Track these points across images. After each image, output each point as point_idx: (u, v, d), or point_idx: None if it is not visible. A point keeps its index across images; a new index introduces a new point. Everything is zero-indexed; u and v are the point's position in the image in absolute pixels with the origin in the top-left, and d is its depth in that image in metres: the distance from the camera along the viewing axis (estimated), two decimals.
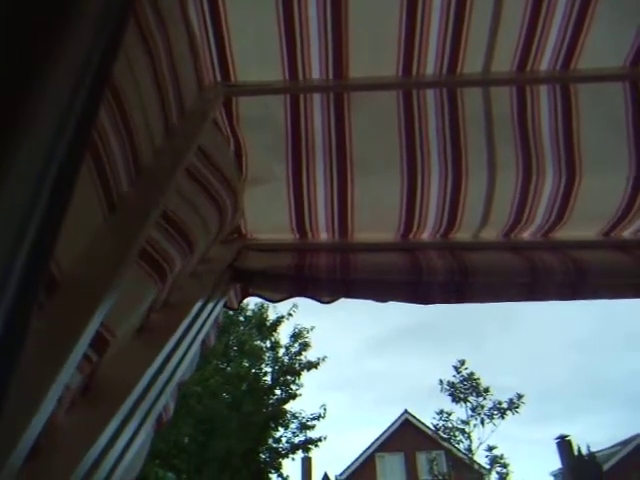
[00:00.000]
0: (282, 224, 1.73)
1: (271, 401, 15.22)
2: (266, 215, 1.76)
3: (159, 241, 0.98)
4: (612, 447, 25.86)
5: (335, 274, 1.64)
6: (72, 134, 0.42)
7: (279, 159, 1.64)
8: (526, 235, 1.76)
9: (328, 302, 1.76)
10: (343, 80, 1.50)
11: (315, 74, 1.51)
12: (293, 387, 15.61)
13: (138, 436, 0.98)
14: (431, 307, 1.72)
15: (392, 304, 1.71)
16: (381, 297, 1.71)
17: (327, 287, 1.71)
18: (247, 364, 14.93)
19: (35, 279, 0.39)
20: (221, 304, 1.60)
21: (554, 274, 1.59)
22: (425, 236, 1.77)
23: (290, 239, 1.78)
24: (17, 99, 0.39)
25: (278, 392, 15.54)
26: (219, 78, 1.51)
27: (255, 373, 15.04)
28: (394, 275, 1.65)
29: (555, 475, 27.28)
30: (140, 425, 0.98)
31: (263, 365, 15.58)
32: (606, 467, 21.89)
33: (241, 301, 1.88)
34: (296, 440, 15.90)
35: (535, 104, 1.57)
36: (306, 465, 24.95)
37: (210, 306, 1.42)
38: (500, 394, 17.00)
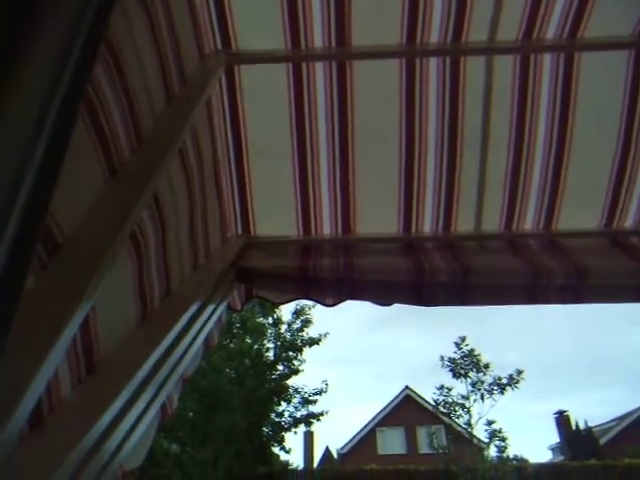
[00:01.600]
0: (286, 205, 1.71)
1: (274, 376, 15.41)
2: (269, 196, 1.74)
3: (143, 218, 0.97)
4: (609, 422, 26.21)
5: (338, 274, 1.62)
6: (66, 89, 0.41)
7: (282, 131, 1.62)
8: (527, 227, 1.74)
9: (332, 305, 1.74)
10: (346, 48, 1.48)
11: (317, 42, 1.49)
12: (295, 363, 15.78)
13: (142, 421, 1.00)
14: None
15: None
16: (384, 299, 1.71)
17: (331, 288, 1.69)
18: (250, 340, 15.07)
19: (31, 233, 0.39)
20: (224, 304, 1.60)
21: (555, 277, 1.57)
22: (426, 227, 1.74)
23: (294, 235, 1.76)
24: (12, 52, 0.39)
25: (280, 368, 15.73)
26: (220, 46, 1.49)
27: (258, 349, 15.20)
28: (397, 276, 1.63)
29: (553, 449, 27.74)
30: (144, 411, 1.00)
31: (265, 341, 15.73)
32: (603, 441, 22.23)
33: (245, 303, 1.86)
34: (298, 414, 16.15)
35: (537, 74, 1.55)
36: (308, 440, 25.36)
37: (213, 305, 1.41)
38: (500, 370, 17.16)
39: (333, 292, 1.70)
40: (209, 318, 1.42)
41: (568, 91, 1.56)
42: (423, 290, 1.64)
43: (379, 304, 1.73)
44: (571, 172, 1.66)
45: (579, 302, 1.64)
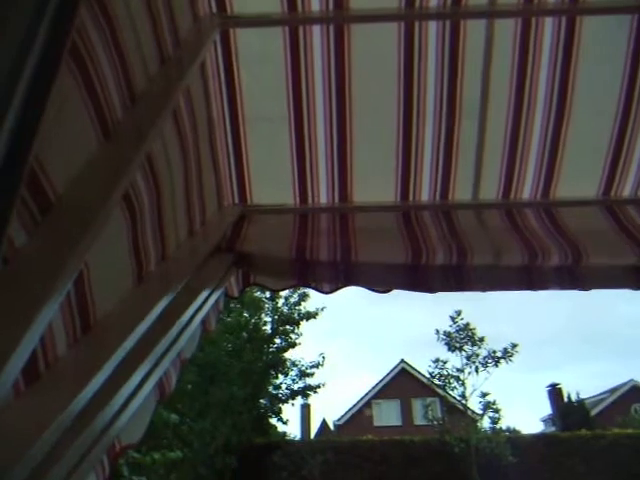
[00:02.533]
0: (282, 173, 1.69)
1: (271, 350, 15.59)
2: (266, 164, 1.72)
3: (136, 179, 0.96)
4: (601, 394, 26.72)
5: (336, 256, 1.61)
6: (48, 31, 0.40)
7: (278, 96, 1.60)
8: (525, 196, 1.73)
9: (329, 292, 1.74)
10: (343, 11, 1.45)
11: (314, 5, 1.46)
12: (292, 336, 15.95)
13: (138, 395, 1.01)
14: None
15: None
16: (381, 283, 1.70)
17: (328, 272, 1.68)
18: (247, 314, 15.19)
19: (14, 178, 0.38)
20: (221, 289, 1.60)
21: (552, 256, 1.58)
22: (424, 195, 1.73)
23: (291, 204, 1.74)
24: None
25: (278, 341, 15.90)
26: (215, 9, 1.45)
27: (255, 323, 15.33)
28: (394, 258, 1.62)
29: (545, 421, 28.34)
30: (140, 385, 1.01)
31: (263, 315, 15.86)
32: (594, 413, 22.68)
33: (243, 290, 1.85)
34: (295, 387, 16.40)
35: (538, 39, 1.52)
36: (305, 412, 25.83)
37: (210, 286, 1.42)
38: (495, 343, 17.39)
39: (330, 276, 1.69)
40: (206, 300, 1.43)
41: (569, 56, 1.54)
42: (420, 274, 1.64)
43: (376, 290, 1.72)
44: (570, 140, 1.64)
45: (577, 287, 1.66)
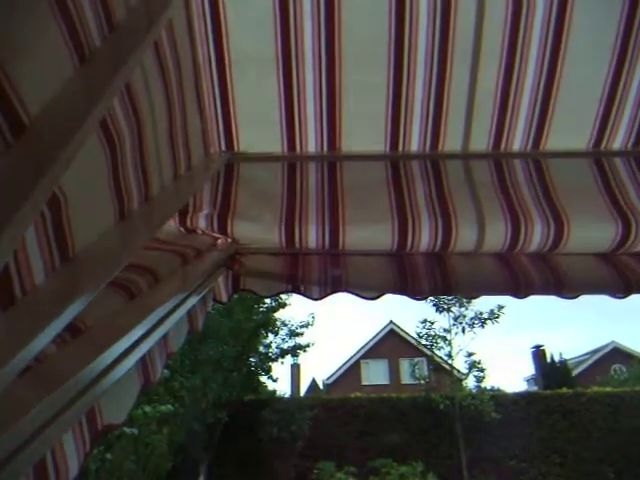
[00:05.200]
0: (270, 120, 1.65)
1: (261, 309, 15.75)
2: (253, 110, 1.68)
3: (114, 108, 0.93)
4: (583, 355, 27.48)
5: (324, 248, 1.65)
6: None
7: (266, 39, 1.54)
8: (516, 147, 1.71)
9: (318, 299, 1.76)
10: None
11: None
12: (283, 296, 16.11)
13: (120, 365, 1.02)
14: None
15: None
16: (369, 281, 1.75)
17: (317, 266, 1.74)
18: None
19: None
20: (210, 287, 1.63)
21: (534, 227, 1.62)
22: (413, 145, 1.71)
23: (279, 152, 1.72)
24: None
25: (268, 301, 16.05)
26: None
27: None
28: (381, 243, 1.67)
29: (528, 380, 29.20)
30: (123, 355, 1.01)
31: None
32: (576, 373, 23.38)
33: (231, 295, 1.86)
34: (285, 346, 16.68)
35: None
36: (295, 372, 26.36)
37: (197, 293, 1.44)
38: (482, 305, 17.66)
39: (319, 271, 1.73)
40: (196, 289, 1.46)
41: (564, 3, 1.50)
42: (406, 271, 1.71)
43: (365, 297, 1.76)
44: (563, 90, 1.62)
45: (562, 292, 1.69)
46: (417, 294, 1.70)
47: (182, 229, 1.66)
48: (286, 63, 1.57)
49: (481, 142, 1.71)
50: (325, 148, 1.72)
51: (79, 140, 0.66)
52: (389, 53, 1.57)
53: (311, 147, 1.72)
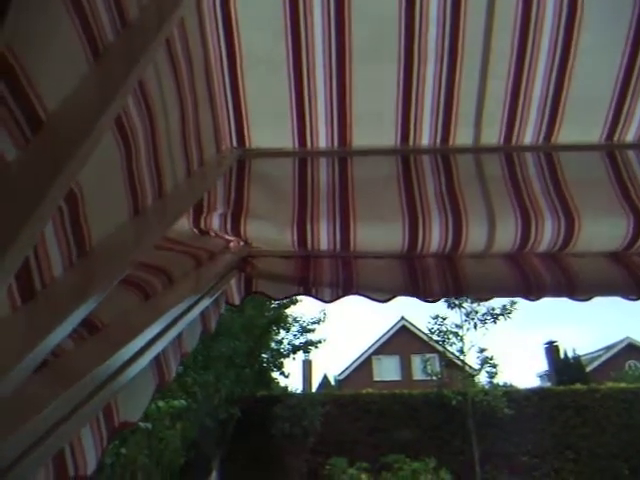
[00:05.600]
0: (281, 116, 1.66)
1: (273, 305, 15.81)
2: (264, 106, 1.69)
3: (128, 105, 0.95)
4: (597, 351, 27.20)
5: (335, 251, 1.68)
6: None
7: (277, 35, 1.55)
8: (527, 141, 1.70)
9: (329, 301, 1.78)
10: None
11: None
12: None
13: (137, 362, 1.04)
14: None
15: None
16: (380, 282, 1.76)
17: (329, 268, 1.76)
18: None
19: None
20: (223, 285, 1.64)
21: (545, 222, 1.61)
22: (424, 139, 1.71)
23: (290, 147, 1.73)
24: None
25: None
26: None
27: None
28: (391, 244, 1.68)
29: (541, 376, 28.97)
30: (139, 353, 1.03)
31: None
32: (589, 369, 23.16)
33: (244, 298, 1.87)
34: (297, 342, 16.73)
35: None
36: (307, 368, 26.45)
37: (211, 291, 1.46)
38: (494, 301, 17.56)
39: (331, 273, 1.75)
40: (209, 291, 1.49)
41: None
42: (417, 273, 1.72)
43: (377, 300, 1.77)
44: (575, 82, 1.61)
45: (574, 294, 1.69)
46: (428, 296, 1.71)
47: (196, 230, 1.68)
48: (296, 59, 1.58)
49: (492, 136, 1.71)
50: (336, 143, 1.72)
51: (95, 136, 0.67)
52: (399, 47, 1.57)
53: (322, 142, 1.73)
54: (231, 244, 1.73)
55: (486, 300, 1.95)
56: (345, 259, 1.78)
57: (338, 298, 1.77)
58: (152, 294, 1.15)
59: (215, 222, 1.66)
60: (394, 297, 1.76)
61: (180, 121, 1.23)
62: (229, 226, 1.67)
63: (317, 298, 1.79)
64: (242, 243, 1.72)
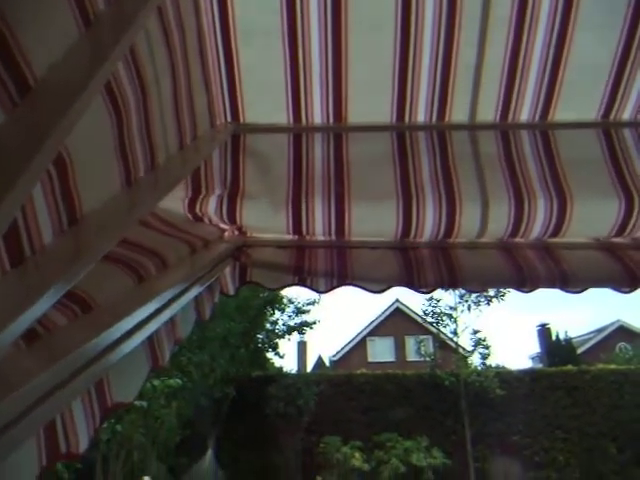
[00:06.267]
0: (276, 91, 1.64)
1: None
2: (259, 81, 1.66)
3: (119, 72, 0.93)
4: (589, 334, 27.51)
5: (330, 229, 1.66)
6: None
7: (272, 9, 1.52)
8: (524, 118, 1.69)
9: (324, 292, 1.78)
10: None
11: None
12: None
13: (131, 339, 1.05)
14: None
15: None
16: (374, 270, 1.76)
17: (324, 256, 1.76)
18: None
19: None
20: (217, 272, 1.63)
21: (537, 204, 1.61)
22: (420, 116, 1.69)
23: (285, 123, 1.70)
24: None
25: None
26: None
27: None
28: (387, 230, 1.68)
29: (533, 358, 29.34)
30: (132, 331, 1.04)
31: None
32: (581, 351, 23.45)
33: (238, 288, 1.86)
34: (292, 323, 16.83)
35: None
36: (301, 349, 26.65)
37: (205, 278, 1.46)
38: None
39: (326, 263, 1.74)
40: (203, 277, 1.48)
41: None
42: (412, 263, 1.72)
43: (371, 290, 1.77)
44: (572, 58, 1.59)
45: (568, 287, 1.70)
46: (423, 287, 1.72)
47: (191, 216, 1.66)
48: (292, 33, 1.55)
49: (489, 113, 1.69)
50: (331, 119, 1.71)
51: (84, 101, 0.66)
52: (396, 21, 1.55)
53: (317, 118, 1.71)
54: (226, 233, 1.73)
55: (480, 292, 1.98)
56: (340, 249, 1.78)
57: (333, 288, 1.77)
58: (146, 277, 1.15)
59: (211, 206, 1.65)
60: (389, 288, 1.77)
61: (172, 91, 1.21)
62: (225, 208, 1.65)
63: (312, 288, 1.79)
64: (237, 232, 1.72)
